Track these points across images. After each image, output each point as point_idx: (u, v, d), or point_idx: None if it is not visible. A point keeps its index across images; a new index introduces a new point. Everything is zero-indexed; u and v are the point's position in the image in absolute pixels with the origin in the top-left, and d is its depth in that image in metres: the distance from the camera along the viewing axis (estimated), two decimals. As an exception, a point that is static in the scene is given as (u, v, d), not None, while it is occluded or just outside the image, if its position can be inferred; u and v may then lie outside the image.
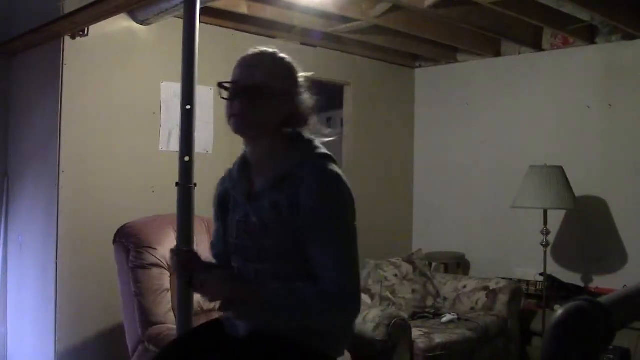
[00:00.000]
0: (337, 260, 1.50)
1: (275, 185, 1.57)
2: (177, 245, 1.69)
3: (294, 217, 1.52)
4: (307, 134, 1.66)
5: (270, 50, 1.65)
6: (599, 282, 4.22)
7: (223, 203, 1.74)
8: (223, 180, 1.78)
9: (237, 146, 1.80)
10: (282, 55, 1.67)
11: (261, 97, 1.57)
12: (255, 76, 1.58)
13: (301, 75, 1.66)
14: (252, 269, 1.60)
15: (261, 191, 1.60)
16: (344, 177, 1.58)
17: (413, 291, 4.19)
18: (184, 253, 1.68)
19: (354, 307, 1.53)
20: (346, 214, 1.55)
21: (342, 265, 1.51)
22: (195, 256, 1.69)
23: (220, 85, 1.60)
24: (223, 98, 1.61)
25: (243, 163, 1.70)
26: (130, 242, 3.06)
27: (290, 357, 1.55)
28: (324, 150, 1.64)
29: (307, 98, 1.65)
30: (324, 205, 1.52)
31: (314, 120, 1.68)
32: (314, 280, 1.50)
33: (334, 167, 1.59)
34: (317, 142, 1.66)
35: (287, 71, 1.64)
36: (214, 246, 1.82)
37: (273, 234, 1.55)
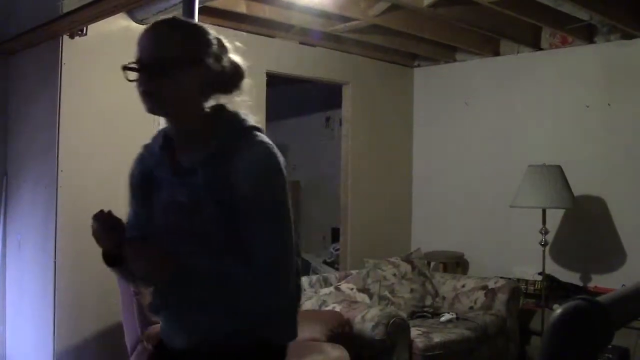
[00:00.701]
0: (273, 240, 1.43)
1: (205, 162, 1.45)
2: (100, 210, 1.47)
3: (228, 196, 1.42)
4: (230, 107, 1.53)
5: (171, 17, 1.52)
6: (597, 281, 4.22)
7: (143, 183, 1.57)
8: (141, 157, 1.61)
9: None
10: (185, 19, 1.54)
11: (171, 69, 1.42)
12: (159, 48, 1.44)
13: (213, 36, 1.49)
14: (181, 252, 1.45)
15: (190, 168, 1.47)
16: (276, 149, 1.48)
17: (412, 290, 4.19)
18: (110, 218, 1.45)
19: (289, 287, 1.45)
20: (283, 191, 1.46)
21: (277, 245, 1.43)
22: (121, 225, 1.47)
23: (125, 68, 1.45)
24: (130, 80, 1.45)
25: (164, 139, 1.55)
26: (129, 241, 3.06)
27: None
28: (251, 122, 1.51)
29: (226, 61, 1.49)
30: (261, 183, 1.43)
31: (243, 87, 1.52)
32: (248, 260, 1.41)
33: (267, 140, 1.48)
34: (243, 114, 1.52)
35: (193, 35, 1.47)
36: (130, 229, 1.59)
37: (206, 215, 1.43)
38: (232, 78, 1.51)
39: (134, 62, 1.45)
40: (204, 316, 1.47)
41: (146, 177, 1.57)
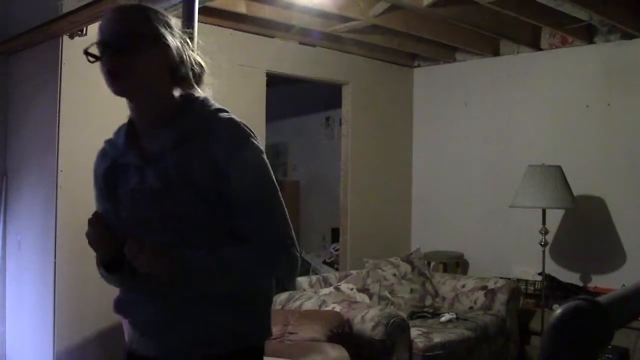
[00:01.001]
0: (272, 216, 1.43)
1: (178, 146, 1.42)
2: (94, 214, 1.45)
3: (208, 178, 1.39)
4: (198, 93, 1.53)
5: (131, 2, 1.53)
6: (597, 281, 4.22)
7: (109, 176, 1.53)
8: (104, 152, 1.58)
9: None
10: (145, 4, 1.56)
11: (135, 46, 1.40)
12: (122, 25, 1.43)
13: (174, 21, 1.51)
14: (155, 241, 1.38)
15: (160, 153, 1.44)
16: (248, 126, 1.48)
17: (412, 290, 4.19)
18: (104, 221, 1.45)
19: (295, 259, 1.45)
20: (268, 165, 1.46)
21: (277, 219, 1.43)
22: (116, 228, 1.46)
23: (85, 52, 1.45)
24: (91, 61, 1.45)
25: (128, 130, 1.53)
26: (129, 241, 3.05)
27: None
28: (219, 105, 1.50)
29: (188, 55, 1.49)
30: (247, 161, 1.43)
31: (204, 82, 1.54)
32: (246, 241, 1.41)
33: (236, 117, 1.48)
34: (212, 99, 1.51)
35: (156, 16, 1.46)
36: None
37: (182, 199, 1.40)
38: (194, 71, 1.51)
39: (95, 44, 1.44)
40: (199, 312, 1.44)
41: (111, 170, 1.54)
